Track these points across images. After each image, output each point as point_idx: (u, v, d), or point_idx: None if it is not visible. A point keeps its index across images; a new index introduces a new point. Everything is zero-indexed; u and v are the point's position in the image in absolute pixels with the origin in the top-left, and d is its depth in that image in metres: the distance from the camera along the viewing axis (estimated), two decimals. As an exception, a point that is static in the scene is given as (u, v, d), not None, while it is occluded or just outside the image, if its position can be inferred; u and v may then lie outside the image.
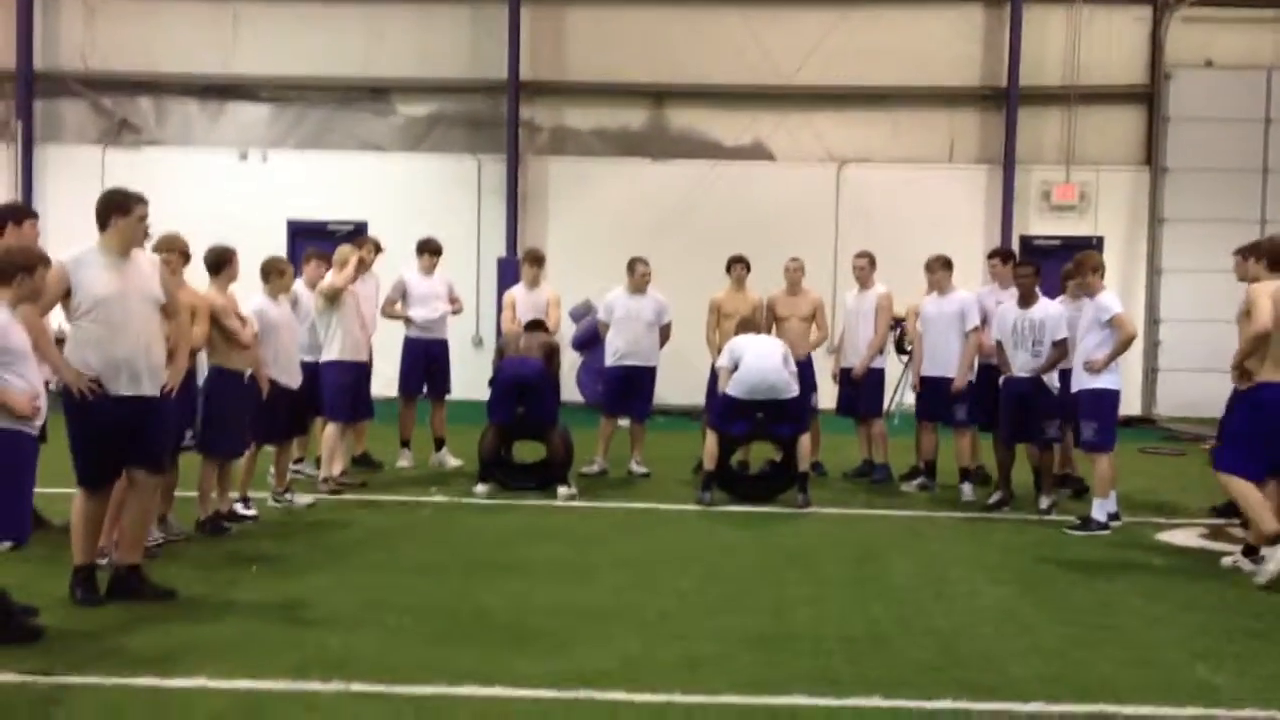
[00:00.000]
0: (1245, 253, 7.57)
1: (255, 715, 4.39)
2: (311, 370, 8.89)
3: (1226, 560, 7.25)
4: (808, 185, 16.30)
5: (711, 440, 9.10)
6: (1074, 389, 8.31)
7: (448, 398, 10.60)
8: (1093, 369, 8.10)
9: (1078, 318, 8.52)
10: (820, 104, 16.52)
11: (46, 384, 5.54)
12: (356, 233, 13.22)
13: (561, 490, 9.13)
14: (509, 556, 7.17)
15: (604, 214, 16.24)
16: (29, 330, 5.29)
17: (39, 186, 16.57)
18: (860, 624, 5.78)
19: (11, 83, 16.74)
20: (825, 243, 15.69)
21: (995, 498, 9.02)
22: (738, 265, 10.44)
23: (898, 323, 11.24)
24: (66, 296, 5.71)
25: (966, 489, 9.36)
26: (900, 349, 12.31)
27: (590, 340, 14.40)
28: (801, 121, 16.58)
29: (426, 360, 10.42)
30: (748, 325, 9.53)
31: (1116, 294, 8.61)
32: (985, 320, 9.47)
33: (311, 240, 13.77)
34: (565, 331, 13.63)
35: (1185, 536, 8.21)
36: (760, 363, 8.97)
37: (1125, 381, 8.93)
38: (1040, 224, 16.43)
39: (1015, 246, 15.54)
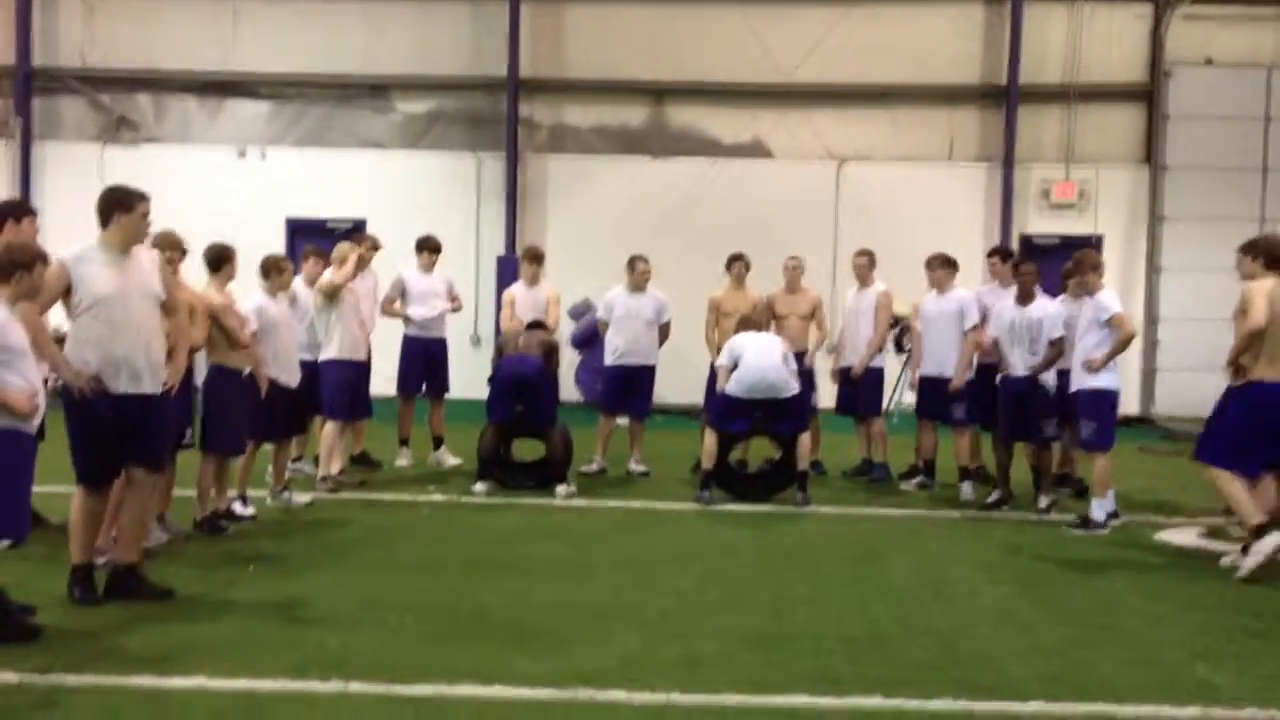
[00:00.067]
0: (1246, 250, 7.58)
1: (254, 714, 4.39)
2: (310, 369, 8.88)
3: (1226, 560, 7.24)
4: (807, 183, 16.26)
5: (710, 439, 9.09)
6: (1073, 388, 8.31)
7: (446, 396, 10.59)
8: (1091, 368, 8.09)
9: (1077, 317, 8.52)
10: (820, 102, 16.48)
11: (45, 382, 5.54)
12: (355, 230, 13.20)
13: (560, 489, 9.13)
14: (508, 555, 7.17)
15: (603, 212, 16.20)
16: (27, 328, 5.28)
17: (37, 183, 16.54)
18: (860, 623, 5.78)
19: (10, 79, 16.69)
20: (825, 241, 15.65)
21: (994, 497, 9.02)
22: (737, 263, 10.40)
23: (897, 321, 11.23)
24: (67, 294, 5.70)
25: (966, 488, 9.36)
26: (899, 347, 12.30)
27: (589, 338, 14.39)
28: (801, 119, 16.54)
29: (425, 359, 10.40)
30: (748, 323, 9.50)
31: (1116, 292, 8.61)
32: (985, 319, 9.47)
33: (310, 238, 13.72)
34: (564, 330, 13.61)
35: (1184, 536, 8.21)
36: (760, 361, 8.95)
37: (1124, 381, 8.92)
38: (1040, 222, 16.39)
39: (1015, 245, 15.58)
